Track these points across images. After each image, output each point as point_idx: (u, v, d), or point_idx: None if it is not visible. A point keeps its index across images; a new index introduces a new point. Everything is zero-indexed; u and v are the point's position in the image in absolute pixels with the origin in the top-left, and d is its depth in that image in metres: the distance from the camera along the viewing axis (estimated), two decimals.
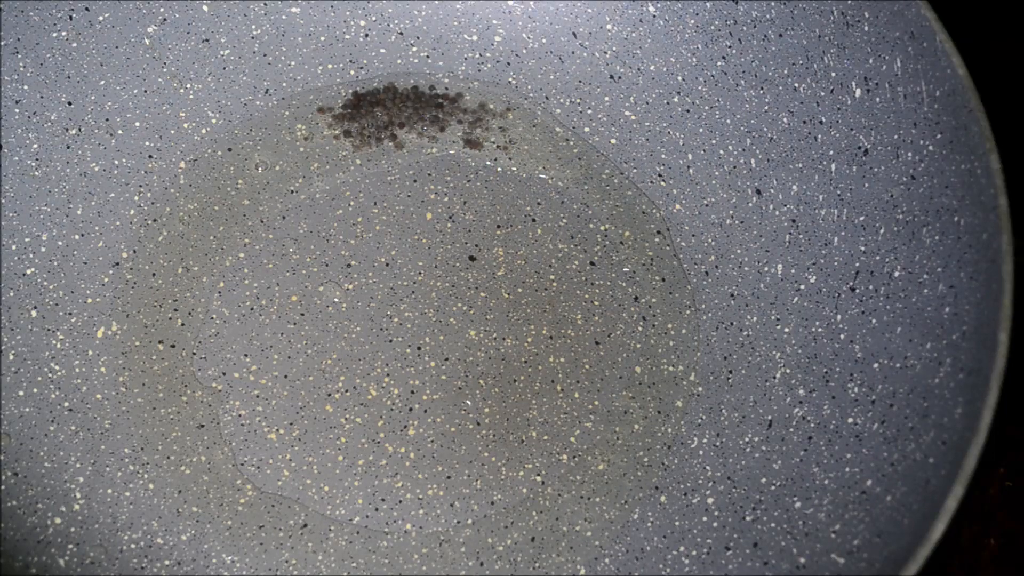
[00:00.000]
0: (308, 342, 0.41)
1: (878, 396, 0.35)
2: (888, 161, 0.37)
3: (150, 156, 0.44)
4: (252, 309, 0.42)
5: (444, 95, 0.47)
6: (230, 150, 0.45)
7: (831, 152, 0.40)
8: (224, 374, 0.40)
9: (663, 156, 0.45)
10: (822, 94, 0.40)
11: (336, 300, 0.42)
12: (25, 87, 0.42)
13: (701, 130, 0.44)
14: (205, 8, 0.45)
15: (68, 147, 0.42)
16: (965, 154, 0.34)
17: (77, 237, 0.42)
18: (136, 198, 0.43)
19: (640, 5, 0.45)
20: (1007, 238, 0.31)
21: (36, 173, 0.42)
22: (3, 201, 0.41)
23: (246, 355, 0.41)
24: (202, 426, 0.39)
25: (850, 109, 0.39)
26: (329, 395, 0.40)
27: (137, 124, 0.44)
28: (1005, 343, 0.30)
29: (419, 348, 0.41)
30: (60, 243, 0.41)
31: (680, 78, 0.45)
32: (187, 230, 0.43)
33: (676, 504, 0.38)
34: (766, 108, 0.42)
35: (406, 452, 0.39)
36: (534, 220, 0.44)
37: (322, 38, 0.47)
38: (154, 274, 0.42)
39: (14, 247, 0.41)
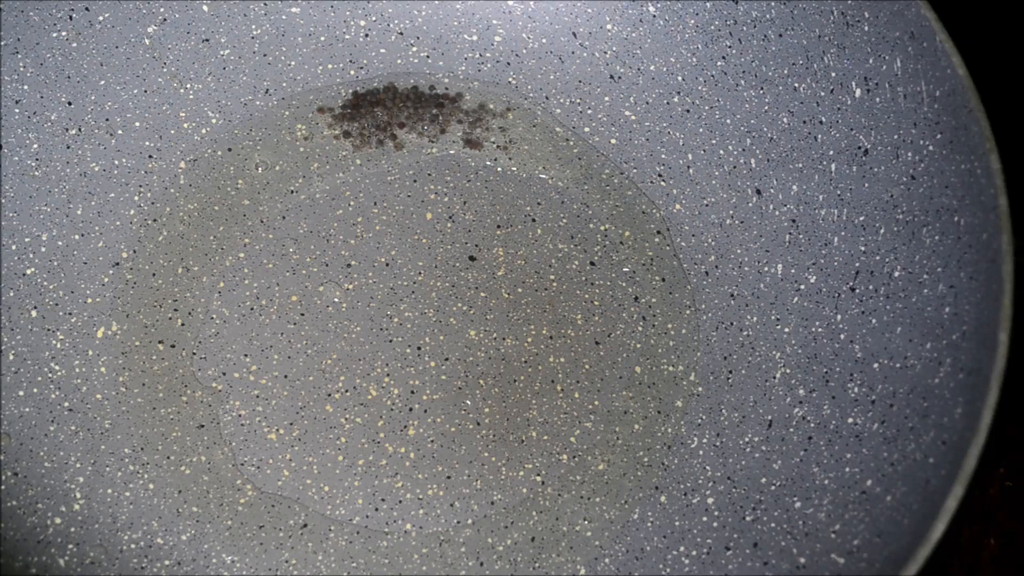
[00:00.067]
0: (308, 342, 0.41)
1: (878, 396, 0.35)
2: (888, 161, 0.37)
3: (150, 156, 0.44)
4: (252, 309, 0.42)
5: (444, 95, 0.47)
6: (230, 150, 0.45)
7: (831, 152, 0.40)
8: (224, 374, 0.40)
9: (663, 156, 0.45)
10: (822, 94, 0.40)
11: (336, 300, 0.42)
12: (25, 87, 0.42)
13: (701, 130, 0.44)
14: (205, 8, 0.45)
15: (68, 147, 0.42)
16: (965, 154, 0.34)
17: (77, 237, 0.42)
18: (136, 198, 0.43)
19: (640, 5, 0.45)
20: (1007, 238, 0.31)
21: (36, 173, 0.42)
22: (3, 201, 0.41)
23: (246, 355, 0.41)
24: (202, 426, 0.39)
25: (850, 109, 0.39)
26: (329, 395, 0.40)
27: (137, 124, 0.44)
28: (1005, 343, 0.30)
29: (419, 348, 0.41)
30: (60, 243, 0.41)
31: (680, 78, 0.45)
32: (187, 230, 0.43)
33: (676, 504, 0.38)
34: (766, 108, 0.42)
35: (406, 452, 0.39)
36: (534, 220, 0.44)
37: (322, 38, 0.47)
38: (154, 274, 0.42)
39: (14, 247, 0.41)
